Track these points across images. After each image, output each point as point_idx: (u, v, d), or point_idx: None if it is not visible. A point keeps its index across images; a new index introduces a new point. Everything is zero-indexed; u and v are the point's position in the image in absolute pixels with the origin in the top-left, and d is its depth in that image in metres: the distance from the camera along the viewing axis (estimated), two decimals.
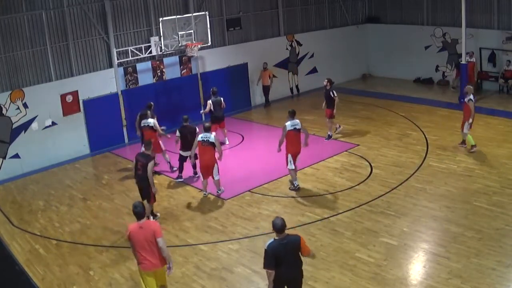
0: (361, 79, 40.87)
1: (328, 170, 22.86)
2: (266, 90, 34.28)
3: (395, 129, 27.70)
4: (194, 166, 22.60)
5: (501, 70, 34.50)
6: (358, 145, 25.44)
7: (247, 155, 25.66)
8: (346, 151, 24.88)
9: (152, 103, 24.65)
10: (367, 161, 23.58)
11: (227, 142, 27.09)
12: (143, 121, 23.71)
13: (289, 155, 20.76)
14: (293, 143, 20.77)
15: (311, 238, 17.08)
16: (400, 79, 38.65)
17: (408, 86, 37.43)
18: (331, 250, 16.40)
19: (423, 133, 26.77)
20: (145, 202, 18.11)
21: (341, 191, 20.64)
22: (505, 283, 14.40)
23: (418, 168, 22.45)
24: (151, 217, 18.91)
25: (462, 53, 32.52)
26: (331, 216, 18.53)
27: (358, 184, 21.07)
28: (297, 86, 36.87)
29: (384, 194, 20.07)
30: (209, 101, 26.40)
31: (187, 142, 21.94)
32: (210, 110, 26.33)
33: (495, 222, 17.59)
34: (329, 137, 26.93)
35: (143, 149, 19.44)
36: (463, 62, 32.42)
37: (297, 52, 36.77)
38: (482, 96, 33.22)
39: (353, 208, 18.97)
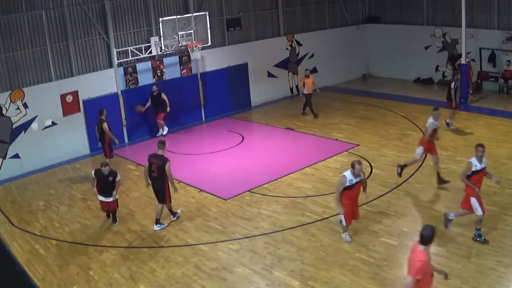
0: (361, 79, 40.89)
1: (328, 170, 22.87)
2: (310, 99, 31.62)
3: (395, 129, 27.71)
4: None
5: (501, 70, 34.52)
6: (358, 145, 25.46)
7: (247, 155, 25.67)
8: (346, 151, 24.88)
9: (104, 109, 24.47)
10: (367, 161, 23.58)
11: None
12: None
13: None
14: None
15: (311, 238, 17.14)
16: (400, 79, 38.67)
17: (408, 86, 37.45)
18: (331, 250, 16.42)
19: (423, 133, 26.74)
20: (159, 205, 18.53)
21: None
22: (505, 283, 14.45)
23: (418, 168, 22.43)
24: (172, 216, 19.15)
25: (462, 53, 32.53)
26: (331, 216, 18.52)
27: None
28: (297, 86, 36.84)
29: (384, 194, 20.09)
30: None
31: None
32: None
33: (495, 222, 17.62)
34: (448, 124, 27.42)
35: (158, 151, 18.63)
36: (463, 62, 32.43)
37: (297, 52, 36.77)
38: (482, 96, 33.29)
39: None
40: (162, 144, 18.63)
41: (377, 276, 14.93)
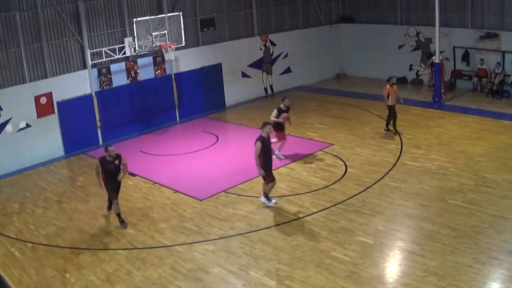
0: (335, 79, 41.01)
1: (303, 169, 22.96)
2: (394, 111, 27.39)
3: (369, 128, 27.88)
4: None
5: (474, 68, 34.84)
6: (333, 144, 25.56)
7: (222, 156, 25.70)
8: (320, 150, 24.98)
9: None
10: (342, 160, 23.72)
11: None
12: None
13: None
14: None
15: (287, 238, 17.22)
16: (374, 78, 38.73)
17: (382, 85, 37.38)
18: (307, 249, 16.49)
19: (397, 132, 26.95)
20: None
21: (316, 190, 20.75)
22: (482, 280, 14.59)
23: (392, 167, 22.62)
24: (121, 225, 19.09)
25: (436, 52, 32.77)
26: (306, 216, 18.63)
27: (333, 184, 21.19)
28: (271, 86, 36.89)
29: (359, 193, 20.21)
30: None
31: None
32: None
33: (470, 220, 17.82)
34: None
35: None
36: (437, 61, 32.67)
37: (271, 52, 36.81)
38: (456, 95, 33.59)
39: (328, 207, 19.07)
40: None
41: (353, 275, 15.02)
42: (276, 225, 18.14)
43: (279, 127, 23.66)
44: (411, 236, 17.25)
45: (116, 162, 18.54)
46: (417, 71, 38.19)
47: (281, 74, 37.54)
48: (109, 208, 19.68)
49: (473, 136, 26.02)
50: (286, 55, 37.65)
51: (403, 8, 38.21)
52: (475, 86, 34.91)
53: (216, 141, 27.61)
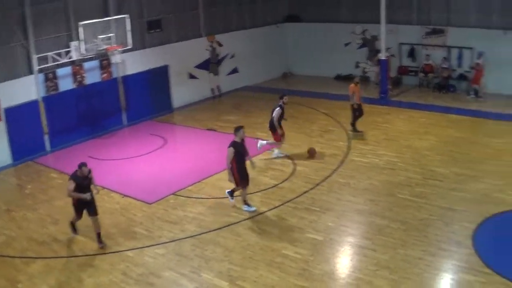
0: (282, 78, 41.10)
1: (252, 169, 23.00)
2: (361, 110, 27.43)
3: (317, 126, 28.07)
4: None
5: (420, 64, 35.34)
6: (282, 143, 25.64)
7: (170, 158, 25.58)
8: (269, 149, 25.00)
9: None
10: (291, 158, 23.85)
11: None
12: None
13: None
14: None
15: (237, 238, 17.25)
16: (321, 77, 39.09)
17: (329, 83, 37.91)
18: (258, 248, 16.56)
19: (345, 129, 27.16)
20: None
21: (266, 189, 20.85)
22: (432, 271, 14.91)
23: (341, 164, 22.82)
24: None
25: (381, 49, 33.09)
26: (257, 215, 18.69)
27: (282, 182, 21.30)
28: (218, 87, 36.84)
29: (308, 191, 20.36)
30: None
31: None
32: None
33: (419, 213, 18.20)
34: None
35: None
36: (383, 57, 32.99)
37: (218, 53, 36.76)
38: (403, 90, 34.08)
39: (278, 206, 19.18)
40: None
41: (304, 272, 15.14)
42: (226, 226, 18.14)
43: (280, 127, 23.93)
44: (361, 231, 17.45)
45: (89, 176, 17.65)
46: (364, 68, 38.53)
47: (228, 75, 37.51)
48: (74, 230, 18.50)
49: (420, 130, 26.42)
50: (233, 56, 37.64)
51: (349, 6, 38.54)
52: (421, 81, 35.38)
53: (164, 144, 27.49)
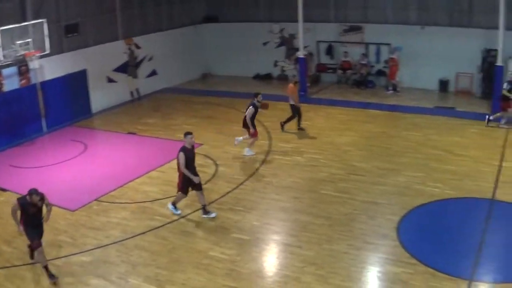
0: (201, 79, 41.01)
1: (174, 171, 22.50)
2: (299, 110, 27.59)
3: (237, 126, 27.91)
4: None
5: (339, 61, 35.82)
6: (202, 144, 25.51)
7: (92, 164, 25.13)
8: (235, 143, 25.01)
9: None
10: (212, 159, 23.81)
11: None
12: None
13: None
14: None
15: (163, 242, 17.11)
16: (240, 77, 39.24)
17: (248, 83, 38.03)
18: (184, 251, 16.46)
19: (265, 127, 27.25)
20: None
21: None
22: (358, 265, 15.18)
23: (263, 162, 22.90)
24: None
25: (299, 47, 33.35)
26: (180, 218, 18.59)
27: (205, 183, 21.17)
28: (137, 90, 36.49)
29: (232, 191, 20.37)
30: None
31: None
32: None
33: (343, 208, 18.49)
34: None
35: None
36: (301, 56, 33.25)
37: (136, 55, 36.42)
38: (322, 88, 34.38)
39: (201, 208, 19.06)
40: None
41: (232, 272, 15.14)
42: (151, 230, 17.96)
43: (252, 125, 23.88)
44: (286, 228, 17.57)
45: (39, 203, 15.65)
46: (282, 67, 38.79)
47: (147, 77, 37.20)
48: (32, 256, 16.74)
49: (341, 127, 26.79)
50: (151, 58, 37.32)
51: (266, 5, 38.78)
52: (340, 78, 35.82)
53: (85, 149, 27.08)
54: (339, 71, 36.40)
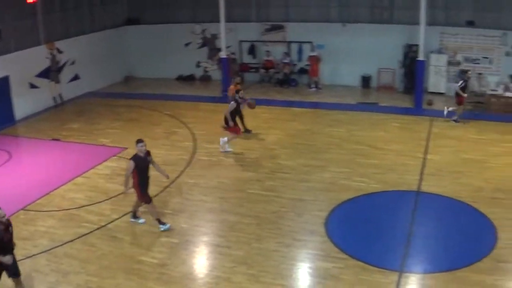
0: (124, 82, 40.58)
1: (99, 177, 22.56)
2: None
3: (161, 128, 27.95)
4: None
5: (261, 61, 35.96)
6: (127, 148, 25.17)
7: (17, 172, 24.63)
8: (114, 155, 24.65)
9: None
10: None
11: None
12: None
13: None
14: None
15: (91, 248, 16.87)
16: (163, 78, 39.06)
17: (171, 85, 37.93)
18: (113, 257, 16.27)
19: (189, 129, 27.21)
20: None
21: (115, 196, 20.44)
22: (288, 261, 15.33)
23: (188, 164, 22.83)
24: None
25: (222, 47, 33.38)
26: (108, 223, 18.37)
27: (131, 188, 21.02)
28: (60, 95, 35.94)
29: (158, 194, 20.23)
30: None
31: None
32: None
33: (271, 206, 18.61)
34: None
35: None
36: (223, 56, 33.28)
37: (58, 60, 35.83)
38: (245, 87, 34.27)
39: (129, 212, 18.85)
40: None
41: (163, 276, 15.08)
42: (79, 237, 17.66)
43: (233, 120, 23.96)
44: (214, 229, 17.61)
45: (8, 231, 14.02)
46: (205, 68, 38.77)
47: (69, 82, 36.63)
48: None
49: (265, 125, 26.93)
50: (73, 62, 36.76)
51: (188, 6, 38.63)
52: (263, 77, 36.00)
53: (9, 158, 26.55)
54: (262, 70, 36.60)
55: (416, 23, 29.76)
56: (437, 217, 18.08)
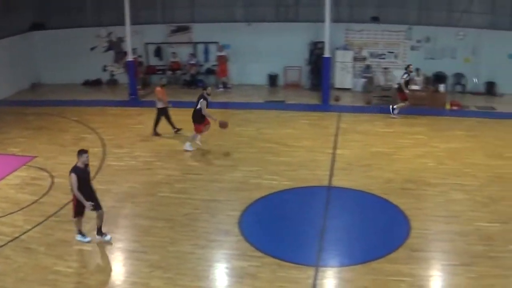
0: (31, 89, 39.71)
1: (9, 187, 22.04)
2: (167, 113, 27.04)
3: (69, 135, 27.51)
4: None
5: (168, 62, 35.88)
6: (36, 156, 24.75)
7: None
8: (24, 165, 24.06)
9: None
10: (47, 171, 23.16)
11: None
12: None
13: None
14: None
15: (6, 261, 16.42)
16: (70, 84, 38.44)
17: (78, 90, 37.41)
18: (28, 269, 15.86)
19: (98, 134, 26.93)
20: None
21: (27, 206, 19.96)
22: (205, 263, 15.44)
23: (98, 170, 22.56)
24: None
25: (128, 50, 33.12)
26: (21, 235, 17.94)
27: (42, 197, 20.64)
28: None
29: (69, 202, 19.80)
30: None
31: None
32: None
33: (183, 209, 18.64)
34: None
35: None
36: (130, 59, 33.03)
37: None
38: (152, 90, 34.13)
39: (41, 222, 18.49)
40: None
41: (79, 285, 14.86)
42: None
43: (200, 119, 23.94)
44: (128, 235, 17.48)
45: None
46: (111, 71, 38.40)
47: None
48: None
49: (168, 127, 26.74)
50: None
51: (93, 9, 38.17)
52: (170, 79, 35.92)
53: None
54: (169, 72, 36.51)
55: (321, 20, 30.24)
56: (350, 211, 18.49)
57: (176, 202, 19.19)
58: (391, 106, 28.69)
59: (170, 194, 19.91)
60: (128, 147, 24.86)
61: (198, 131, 24.32)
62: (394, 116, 28.41)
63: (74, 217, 17.04)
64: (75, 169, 16.41)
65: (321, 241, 16.29)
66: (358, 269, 14.91)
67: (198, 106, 23.88)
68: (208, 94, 24.27)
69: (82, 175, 16.48)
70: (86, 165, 16.68)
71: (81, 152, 16.59)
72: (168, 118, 26.87)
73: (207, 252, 15.92)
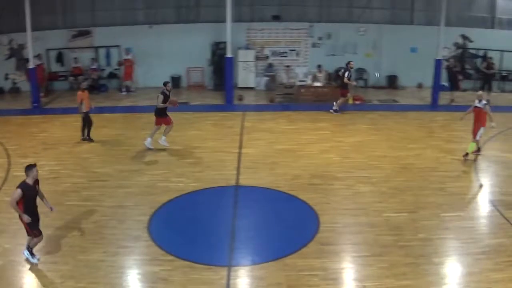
0: None
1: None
2: (89, 118, 26.21)
3: None
4: None
5: (69, 68, 35.49)
6: None
7: None
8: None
9: None
10: None
11: None
12: None
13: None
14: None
15: None
16: None
17: None
18: None
19: (2, 144, 26.42)
20: None
21: None
22: (117, 270, 15.27)
23: (4, 182, 22.08)
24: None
25: (29, 57, 32.53)
26: None
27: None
28: None
29: None
30: None
31: None
32: None
33: (92, 216, 18.43)
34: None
35: None
36: (31, 66, 32.44)
37: None
38: (55, 97, 33.82)
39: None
40: None
41: None
42: None
43: (163, 113, 23.98)
44: (37, 247, 16.86)
45: None
46: (13, 80, 37.62)
47: None
48: None
49: (77, 134, 26.35)
50: None
51: None
52: (72, 85, 35.56)
53: None
54: (71, 78, 36.13)
55: (223, 20, 30.46)
56: (259, 209, 18.77)
57: (84, 210, 18.95)
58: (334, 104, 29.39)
59: (77, 202, 19.60)
60: (33, 156, 24.39)
61: (167, 123, 24.44)
62: (333, 112, 28.99)
63: (30, 236, 16.10)
64: (23, 186, 15.50)
65: (232, 240, 16.49)
66: (271, 266, 15.17)
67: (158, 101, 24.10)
68: (168, 90, 24.34)
69: (29, 193, 15.54)
70: (36, 181, 15.96)
71: (30, 166, 15.76)
72: (87, 124, 26.17)
73: (118, 259, 15.80)
